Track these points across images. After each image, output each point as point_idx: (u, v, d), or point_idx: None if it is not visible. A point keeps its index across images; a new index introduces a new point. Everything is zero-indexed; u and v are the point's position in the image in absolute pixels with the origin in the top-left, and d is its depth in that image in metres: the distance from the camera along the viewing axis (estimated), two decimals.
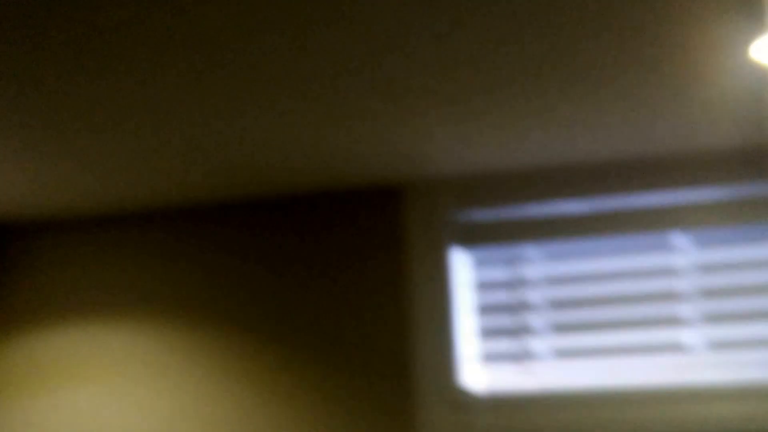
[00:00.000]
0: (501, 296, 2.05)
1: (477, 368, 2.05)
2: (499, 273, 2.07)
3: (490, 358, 2.05)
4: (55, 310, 2.81)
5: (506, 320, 2.04)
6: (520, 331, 2.02)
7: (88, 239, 2.82)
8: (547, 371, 2.00)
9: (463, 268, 2.10)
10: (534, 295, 2.02)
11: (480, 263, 2.10)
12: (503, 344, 2.04)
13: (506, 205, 2.09)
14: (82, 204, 2.61)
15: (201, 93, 1.61)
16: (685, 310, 1.92)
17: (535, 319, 2.01)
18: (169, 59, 1.42)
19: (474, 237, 2.10)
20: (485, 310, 2.06)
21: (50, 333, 2.80)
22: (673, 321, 1.93)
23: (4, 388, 2.77)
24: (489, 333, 2.06)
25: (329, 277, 2.52)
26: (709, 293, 1.92)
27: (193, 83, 1.56)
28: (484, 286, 2.08)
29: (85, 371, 2.72)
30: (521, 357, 2.02)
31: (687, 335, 1.92)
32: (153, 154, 2.06)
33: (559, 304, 2.00)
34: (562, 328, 2.00)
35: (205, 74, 1.51)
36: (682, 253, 1.95)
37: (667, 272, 1.94)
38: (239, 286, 2.71)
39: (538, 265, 2.03)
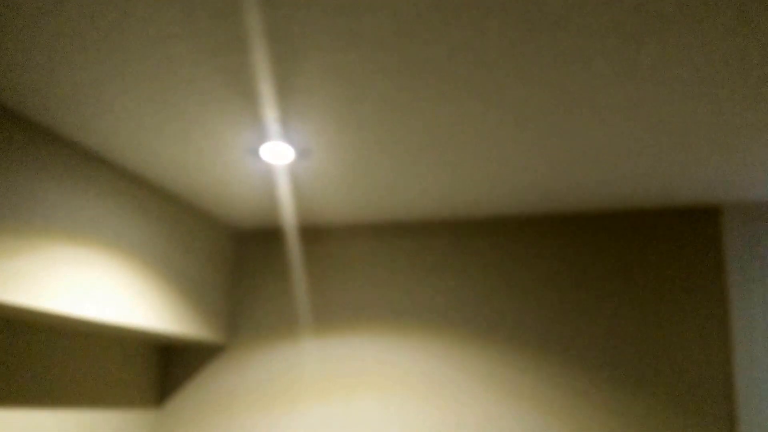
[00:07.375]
0: None
1: None
2: None
3: None
4: (344, 316, 2.80)
5: None
6: None
7: (378, 245, 2.81)
8: None
9: None
10: None
11: None
12: None
13: None
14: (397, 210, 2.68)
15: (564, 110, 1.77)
16: None
17: None
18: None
19: None
20: None
21: (340, 337, 2.78)
22: None
23: (292, 389, 2.78)
24: None
25: (648, 298, 2.40)
26: None
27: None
28: None
29: (367, 382, 2.68)
30: None
31: None
32: (519, 165, 2.19)
33: None
34: None
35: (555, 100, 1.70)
36: None
37: None
38: (538, 304, 2.56)
39: None
